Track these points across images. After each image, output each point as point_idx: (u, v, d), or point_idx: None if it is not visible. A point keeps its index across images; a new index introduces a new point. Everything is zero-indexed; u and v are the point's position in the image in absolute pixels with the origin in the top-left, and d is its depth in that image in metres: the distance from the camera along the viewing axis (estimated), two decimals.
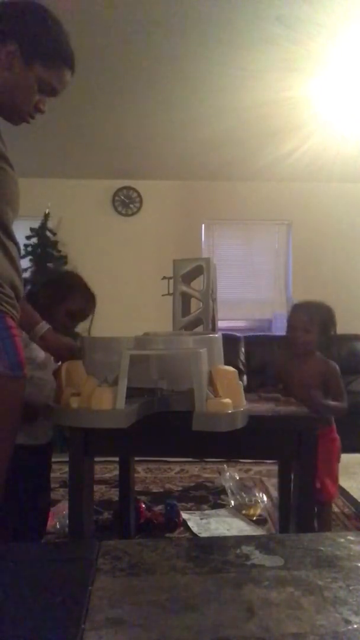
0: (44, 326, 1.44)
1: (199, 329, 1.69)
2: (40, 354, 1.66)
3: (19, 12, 1.17)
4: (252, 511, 2.63)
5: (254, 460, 3.31)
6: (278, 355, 2.24)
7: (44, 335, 1.44)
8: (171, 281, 1.70)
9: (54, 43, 1.20)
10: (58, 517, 2.34)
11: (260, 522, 2.54)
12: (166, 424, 1.25)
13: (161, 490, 3.02)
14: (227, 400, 1.09)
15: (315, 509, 1.87)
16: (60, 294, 1.83)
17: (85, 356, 1.23)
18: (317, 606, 0.63)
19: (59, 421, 1.17)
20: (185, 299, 1.72)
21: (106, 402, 1.06)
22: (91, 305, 1.89)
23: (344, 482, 2.66)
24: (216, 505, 2.76)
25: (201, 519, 2.54)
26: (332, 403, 1.91)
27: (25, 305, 1.33)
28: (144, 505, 2.48)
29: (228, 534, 2.33)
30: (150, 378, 1.20)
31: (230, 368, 1.19)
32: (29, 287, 1.82)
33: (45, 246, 4.52)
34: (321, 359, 2.04)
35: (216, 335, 1.28)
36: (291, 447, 1.37)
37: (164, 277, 1.70)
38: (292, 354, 2.07)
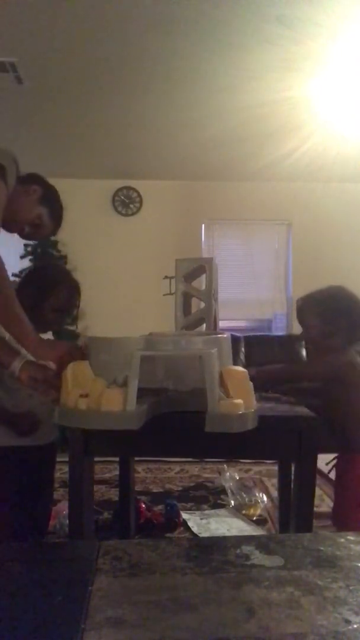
0: (17, 364, 1.28)
1: (201, 328, 1.69)
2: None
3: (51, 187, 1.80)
4: (252, 511, 2.63)
5: (254, 460, 3.32)
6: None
7: (22, 369, 1.27)
8: (173, 281, 1.69)
9: (62, 209, 1.76)
10: (58, 517, 2.34)
11: (260, 522, 2.54)
12: (166, 424, 1.25)
13: (161, 490, 3.02)
14: (239, 400, 1.08)
15: None
16: (43, 291, 1.72)
17: (92, 357, 1.21)
18: (317, 606, 0.63)
19: (67, 423, 1.14)
20: (186, 299, 1.71)
21: (117, 403, 1.04)
22: (77, 296, 1.80)
23: None
24: (216, 505, 2.76)
25: (201, 519, 2.54)
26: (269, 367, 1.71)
27: None
28: (144, 505, 2.48)
29: (228, 534, 2.33)
30: (157, 378, 1.19)
31: (240, 368, 1.18)
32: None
33: (45, 246, 4.52)
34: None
35: (225, 336, 1.27)
36: (291, 447, 1.37)
37: (166, 277, 1.70)
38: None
